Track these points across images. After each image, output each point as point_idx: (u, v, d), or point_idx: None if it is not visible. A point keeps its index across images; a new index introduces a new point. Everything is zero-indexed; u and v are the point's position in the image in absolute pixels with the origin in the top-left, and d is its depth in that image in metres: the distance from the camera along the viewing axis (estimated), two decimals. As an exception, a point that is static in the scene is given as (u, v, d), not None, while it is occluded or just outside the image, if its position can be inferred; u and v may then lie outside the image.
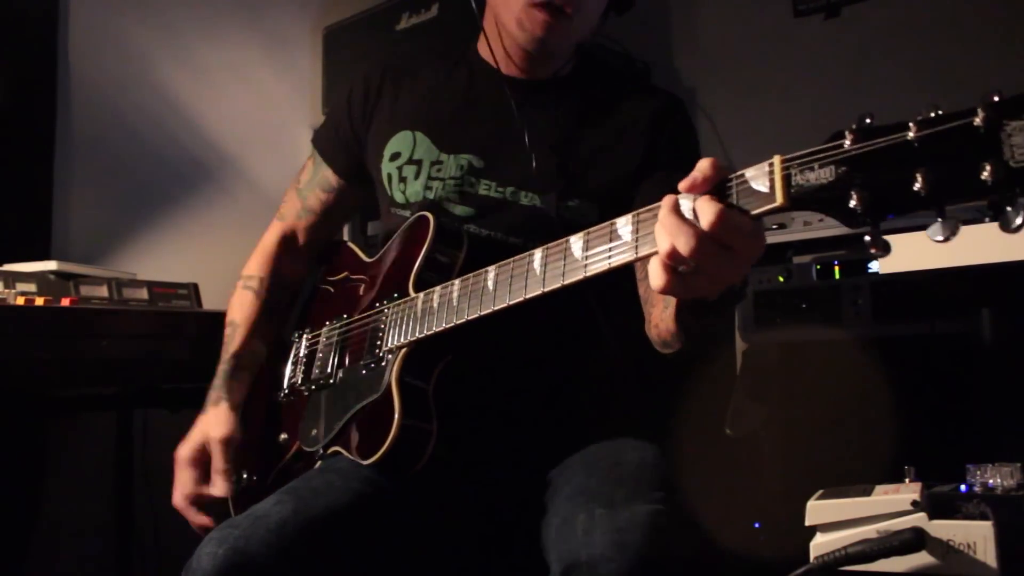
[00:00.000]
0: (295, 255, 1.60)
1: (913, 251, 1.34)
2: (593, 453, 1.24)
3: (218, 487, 1.37)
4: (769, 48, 2.62)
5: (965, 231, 1.13)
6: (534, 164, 1.33)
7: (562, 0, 1.29)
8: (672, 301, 1.05)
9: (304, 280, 1.62)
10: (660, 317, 1.15)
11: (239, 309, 1.53)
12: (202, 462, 1.39)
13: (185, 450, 1.40)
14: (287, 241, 1.59)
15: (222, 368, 1.47)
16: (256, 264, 1.57)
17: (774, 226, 2.01)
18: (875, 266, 1.81)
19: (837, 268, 1.87)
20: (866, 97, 2.34)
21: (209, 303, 2.09)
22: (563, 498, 1.15)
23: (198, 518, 1.38)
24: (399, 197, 1.42)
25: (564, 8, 1.29)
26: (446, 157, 1.38)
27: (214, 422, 1.40)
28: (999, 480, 1.23)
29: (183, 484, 1.39)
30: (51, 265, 1.87)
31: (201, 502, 1.38)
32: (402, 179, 1.41)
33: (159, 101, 2.67)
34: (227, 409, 1.42)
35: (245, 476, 1.48)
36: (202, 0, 2.81)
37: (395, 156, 1.43)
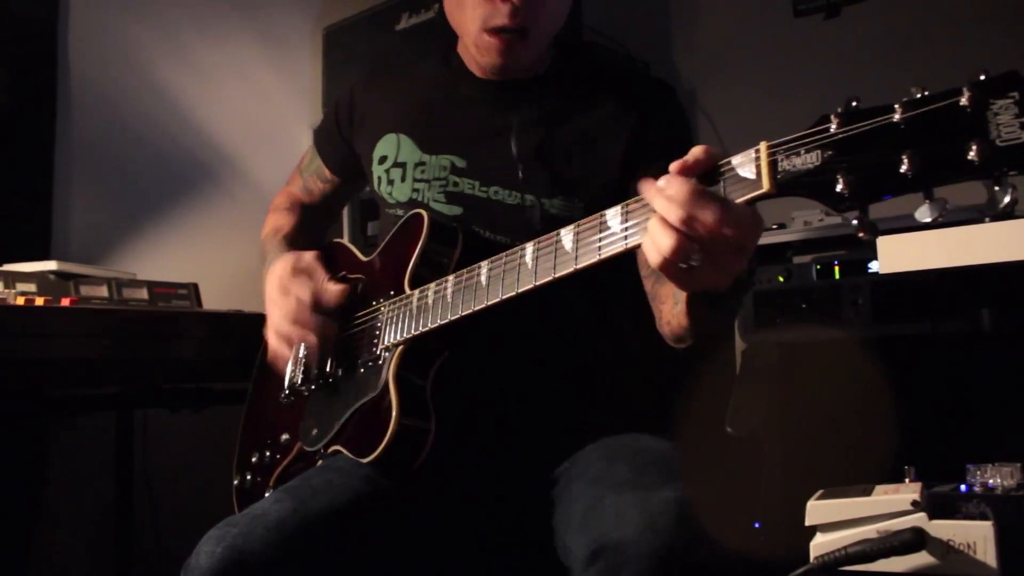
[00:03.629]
0: (306, 208, 1.68)
1: (913, 251, 1.34)
2: (611, 443, 1.24)
3: (331, 294, 1.35)
4: (769, 48, 2.61)
5: (965, 231, 1.13)
6: (519, 168, 1.32)
7: (516, 23, 1.27)
8: (682, 297, 1.04)
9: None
10: (672, 314, 1.14)
11: (280, 218, 1.63)
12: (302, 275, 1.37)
13: (280, 266, 1.38)
14: (294, 200, 1.68)
15: (275, 248, 1.54)
16: (281, 197, 1.69)
17: (774, 226, 2.01)
18: (875, 266, 1.81)
19: (837, 268, 1.86)
20: (866, 97, 2.34)
21: (209, 303, 2.09)
22: (583, 485, 1.14)
23: (309, 336, 1.34)
24: (388, 198, 1.43)
25: (520, 29, 1.28)
26: (428, 158, 1.38)
27: (293, 253, 1.42)
28: (999, 480, 1.23)
29: (302, 295, 1.33)
30: (51, 265, 1.88)
31: (305, 319, 1.33)
32: (390, 181, 1.42)
33: (159, 101, 2.67)
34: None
35: (248, 477, 1.48)
36: (202, 0, 2.81)
37: (383, 159, 1.44)
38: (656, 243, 0.87)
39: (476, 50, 1.33)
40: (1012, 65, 0.74)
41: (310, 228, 1.66)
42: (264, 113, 2.96)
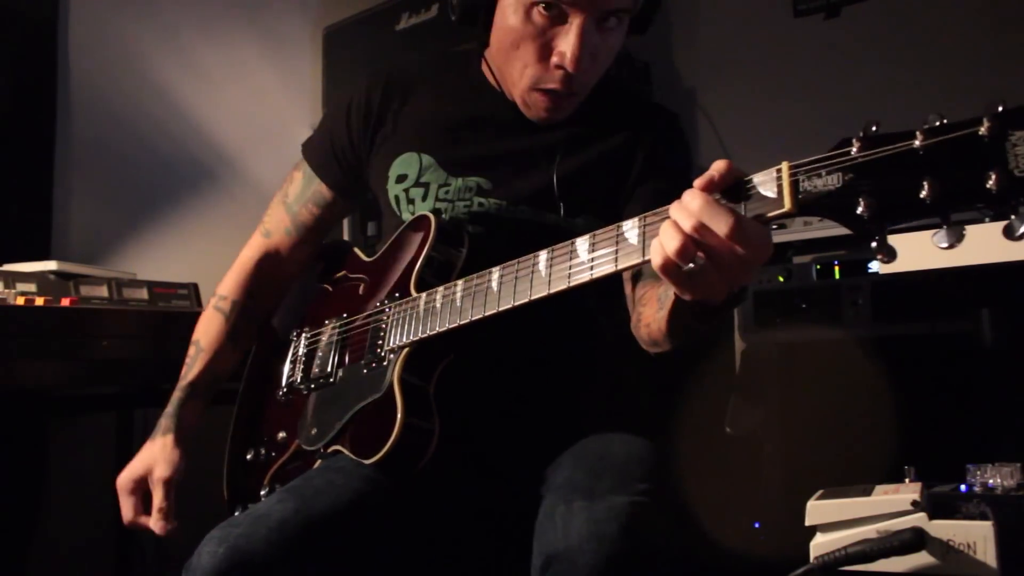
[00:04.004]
0: (273, 281, 1.55)
1: (913, 251, 1.34)
2: (583, 447, 1.24)
3: (156, 526, 1.36)
4: (769, 48, 2.62)
5: (965, 231, 1.13)
6: (537, 184, 1.32)
7: (567, 88, 1.27)
8: (668, 303, 1.05)
9: (273, 311, 1.58)
10: (653, 318, 1.15)
11: (205, 331, 1.49)
12: (141, 492, 1.40)
13: (125, 478, 1.40)
14: (268, 262, 1.53)
15: (176, 396, 1.45)
16: (231, 284, 1.52)
17: (774, 226, 2.01)
18: (875, 266, 1.81)
19: (837, 268, 1.87)
20: (866, 97, 2.34)
21: (209, 303, 2.09)
22: (549, 492, 1.15)
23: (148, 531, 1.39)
24: (408, 219, 1.40)
25: (570, 92, 1.28)
26: (453, 179, 1.37)
27: (160, 456, 1.40)
28: (999, 480, 1.23)
29: (124, 511, 1.40)
30: (51, 265, 1.87)
31: (141, 530, 1.39)
32: (410, 201, 1.39)
33: (159, 101, 2.67)
34: (173, 443, 1.41)
35: (242, 475, 1.48)
36: (202, 0, 2.82)
37: (401, 178, 1.40)
38: (663, 243, 0.88)
39: (523, 104, 1.33)
40: (1010, 64, 0.75)
41: (244, 333, 1.52)
42: (264, 113, 2.96)
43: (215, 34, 2.84)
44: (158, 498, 1.37)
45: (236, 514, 1.39)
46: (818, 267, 1.89)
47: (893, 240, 1.26)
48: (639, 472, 1.13)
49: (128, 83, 2.60)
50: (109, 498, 2.38)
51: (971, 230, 1.28)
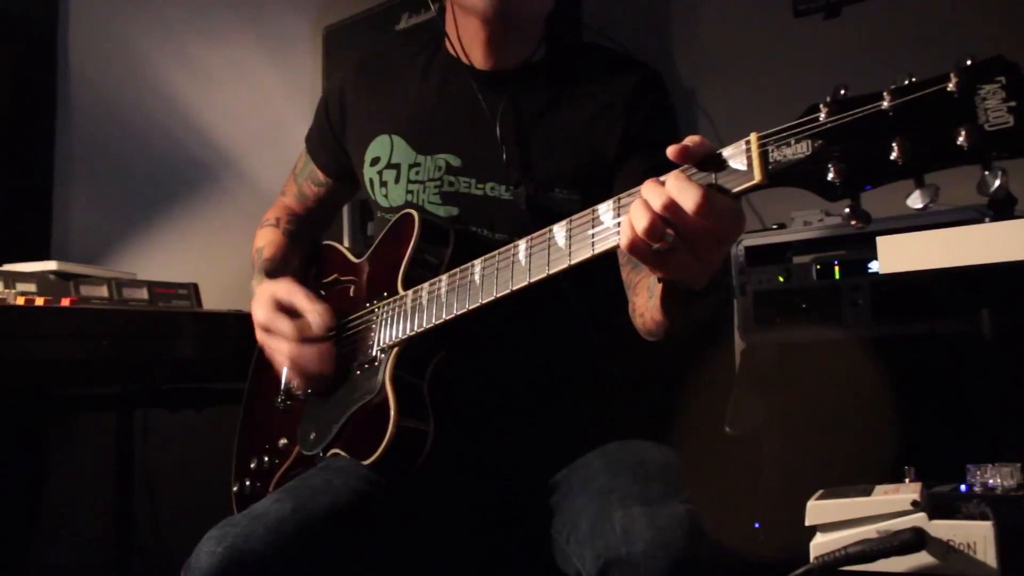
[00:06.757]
0: (302, 218, 1.66)
1: (913, 251, 1.34)
2: (612, 452, 1.23)
3: (316, 321, 1.31)
4: (769, 48, 2.61)
5: (965, 231, 1.12)
6: (505, 158, 1.31)
7: None
8: (657, 291, 1.05)
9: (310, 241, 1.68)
10: (645, 306, 1.15)
11: (262, 238, 1.60)
12: (283, 309, 1.36)
13: (262, 312, 1.36)
14: (290, 209, 1.66)
15: (257, 270, 1.52)
16: (270, 212, 1.66)
17: (774, 226, 2.01)
18: (875, 266, 1.81)
19: (837, 268, 1.86)
20: (866, 97, 2.33)
21: (209, 303, 2.09)
22: (588, 498, 1.14)
23: (319, 365, 1.33)
24: (383, 201, 1.41)
25: None
26: (423, 159, 1.37)
27: (274, 283, 1.40)
28: (999, 480, 1.23)
29: (285, 332, 1.32)
30: (51, 265, 1.87)
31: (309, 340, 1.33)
32: (383, 183, 1.40)
33: (159, 101, 2.67)
34: (272, 280, 1.43)
35: (248, 483, 1.48)
36: (202, 0, 2.82)
37: (375, 161, 1.42)
38: (632, 221, 0.88)
39: (475, 30, 1.32)
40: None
41: (298, 241, 1.61)
42: (264, 113, 2.96)
43: (215, 34, 2.84)
44: (300, 299, 1.34)
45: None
46: (818, 267, 1.89)
47: (894, 240, 1.26)
48: (681, 480, 1.15)
49: (128, 83, 2.60)
50: (109, 498, 2.39)
51: (971, 230, 1.28)
